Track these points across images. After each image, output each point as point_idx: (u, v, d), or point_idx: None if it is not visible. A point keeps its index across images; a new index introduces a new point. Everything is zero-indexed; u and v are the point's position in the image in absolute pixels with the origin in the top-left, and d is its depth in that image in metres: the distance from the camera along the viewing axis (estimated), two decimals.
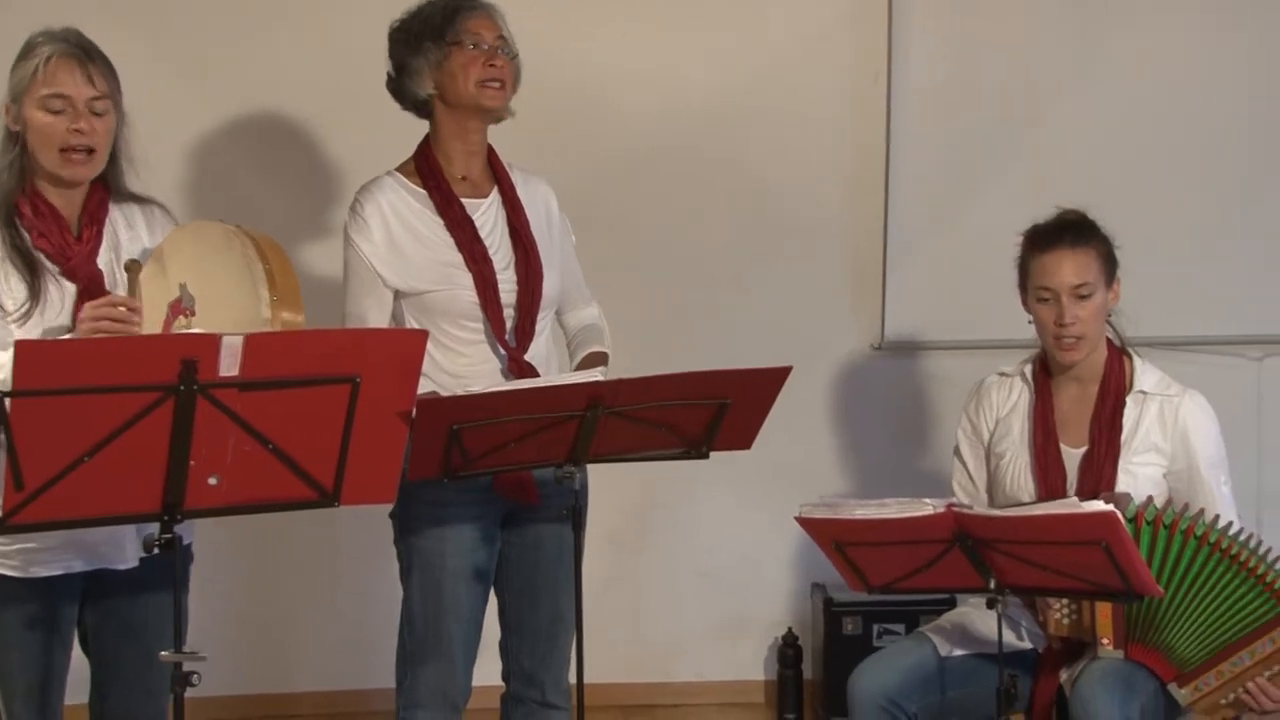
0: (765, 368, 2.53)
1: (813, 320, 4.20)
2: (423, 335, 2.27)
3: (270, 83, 4.02)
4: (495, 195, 2.83)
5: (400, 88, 2.81)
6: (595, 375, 2.46)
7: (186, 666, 2.19)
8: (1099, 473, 2.78)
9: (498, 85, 2.74)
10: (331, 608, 4.18)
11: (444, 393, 2.50)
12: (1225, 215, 4.11)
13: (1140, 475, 2.79)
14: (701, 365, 2.49)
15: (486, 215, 2.80)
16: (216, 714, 3.95)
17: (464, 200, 2.79)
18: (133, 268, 2.42)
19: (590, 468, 2.63)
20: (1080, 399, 2.87)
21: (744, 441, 2.59)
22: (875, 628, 3.98)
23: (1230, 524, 2.63)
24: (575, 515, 2.55)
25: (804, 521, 2.51)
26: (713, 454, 2.58)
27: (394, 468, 2.28)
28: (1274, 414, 4.19)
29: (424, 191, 2.77)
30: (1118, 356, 2.87)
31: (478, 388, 2.45)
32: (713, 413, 2.51)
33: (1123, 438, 2.80)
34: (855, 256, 4.19)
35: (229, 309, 2.35)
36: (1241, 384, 4.16)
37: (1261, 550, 2.59)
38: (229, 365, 2.09)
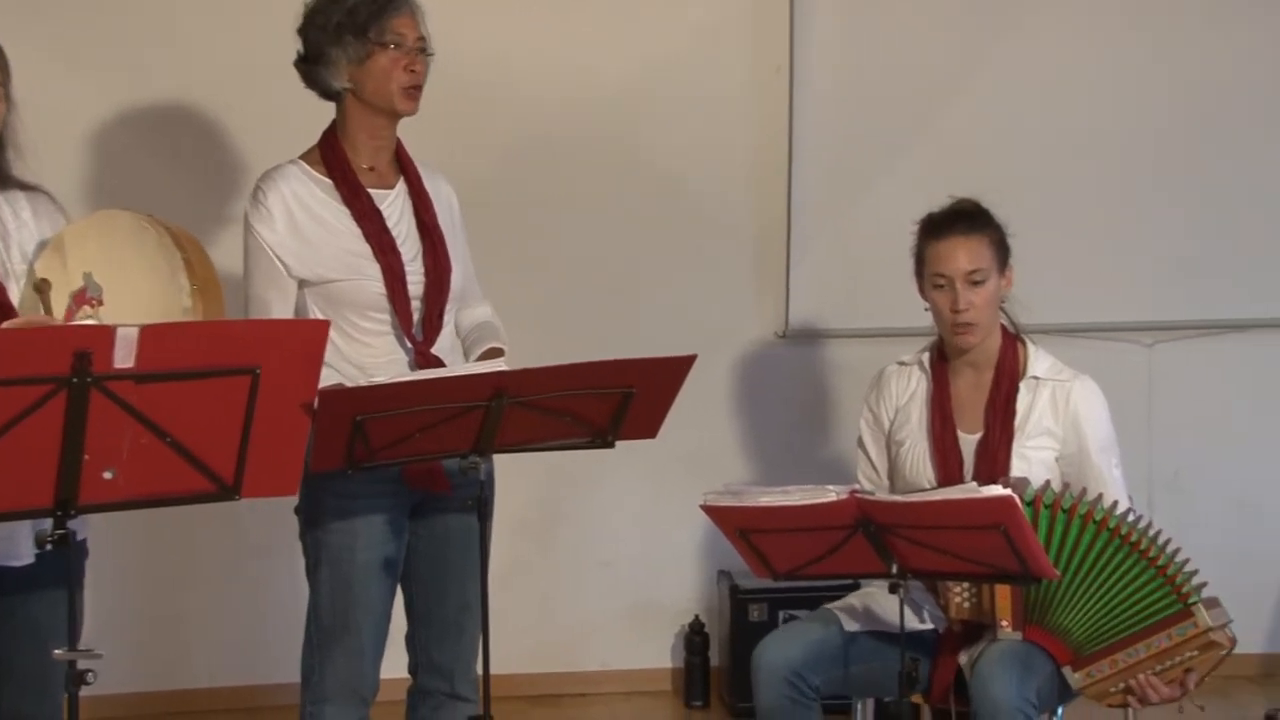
0: (670, 356, 2.52)
1: (717, 309, 4.21)
2: (324, 325, 2.24)
3: (169, 70, 3.94)
4: (402, 187, 2.79)
5: (312, 74, 2.76)
6: (499, 365, 2.45)
7: (82, 664, 2.14)
8: (994, 458, 2.82)
9: (417, 90, 2.71)
10: (233, 602, 4.12)
11: (348, 384, 2.46)
12: (1116, 205, 4.18)
13: (1034, 459, 2.83)
14: (606, 354, 2.48)
15: (393, 206, 2.77)
16: (115, 712, 3.88)
17: (370, 190, 2.75)
18: (43, 286, 2.36)
19: (496, 458, 2.61)
20: (976, 385, 2.91)
21: (649, 430, 2.59)
22: (781, 614, 4.01)
23: (1128, 510, 2.67)
24: (481, 506, 2.53)
25: (709, 509, 2.51)
26: (618, 443, 2.58)
27: (296, 460, 2.24)
28: (1164, 398, 4.28)
29: (329, 180, 2.73)
30: (1012, 343, 2.91)
31: (381, 378, 2.42)
32: (618, 402, 2.51)
33: (1016, 423, 2.84)
34: (759, 245, 4.21)
35: (145, 299, 2.30)
36: (1133, 369, 4.24)
37: (1158, 537, 2.63)
38: (124, 357, 2.04)
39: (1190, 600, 2.59)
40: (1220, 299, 4.23)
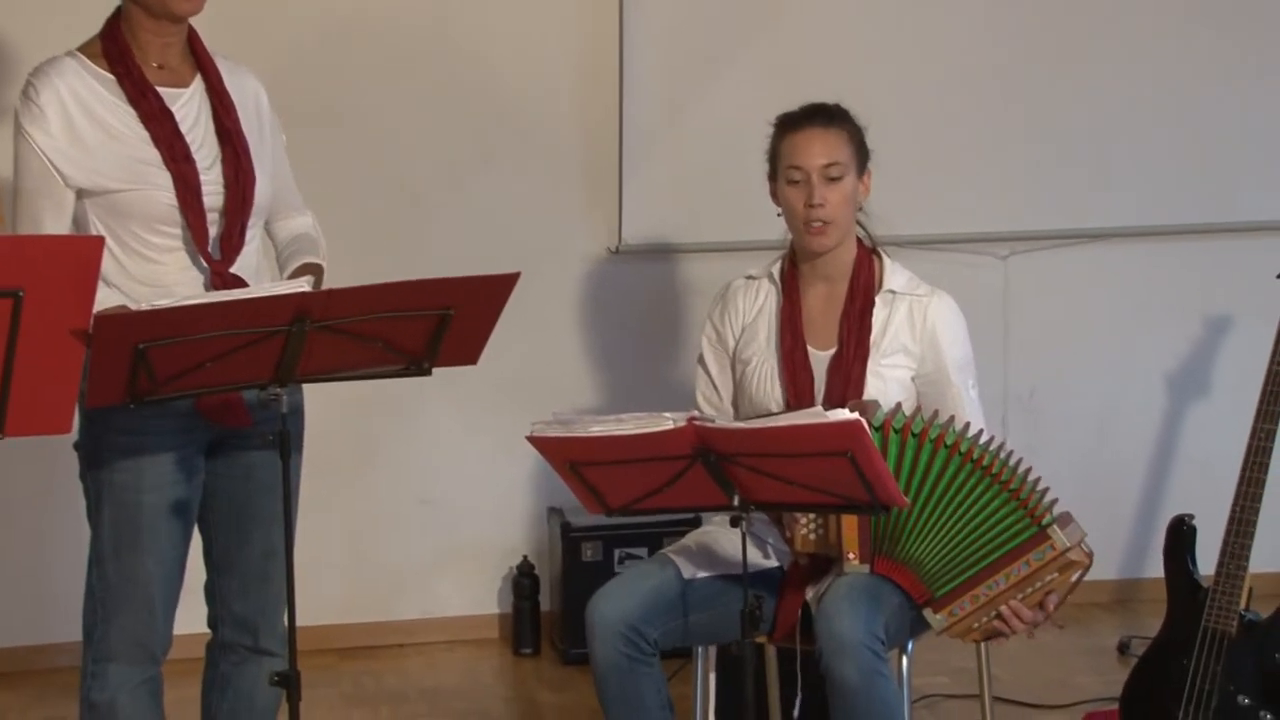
0: (491, 274, 2.51)
1: (543, 222, 4.20)
2: (98, 243, 2.17)
3: None
4: (198, 85, 2.70)
5: None
6: (300, 285, 2.40)
7: None
8: (847, 376, 2.87)
9: None
10: (4, 553, 4.00)
11: (134, 306, 2.39)
12: (970, 113, 4.27)
13: (889, 378, 2.89)
14: (420, 273, 2.46)
15: (188, 108, 2.67)
16: None
17: (161, 90, 2.65)
18: None
19: (308, 387, 2.58)
20: (829, 299, 2.95)
21: (470, 356, 2.58)
22: (617, 552, 4.05)
23: (980, 432, 2.75)
24: (285, 441, 2.50)
25: (536, 441, 2.51)
26: (436, 370, 2.56)
27: (69, 394, 2.19)
28: (1020, 313, 4.42)
29: (112, 77, 2.63)
30: (867, 255, 2.96)
31: (166, 302, 2.36)
32: (434, 325, 2.48)
33: (872, 339, 2.89)
34: (588, 152, 4.20)
35: None
36: (989, 283, 4.36)
37: (1012, 461, 2.71)
38: None
39: (1045, 522, 2.68)
40: (1076, 207, 4.36)
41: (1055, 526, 2.67)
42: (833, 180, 2.86)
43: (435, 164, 4.16)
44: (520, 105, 4.16)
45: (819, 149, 2.87)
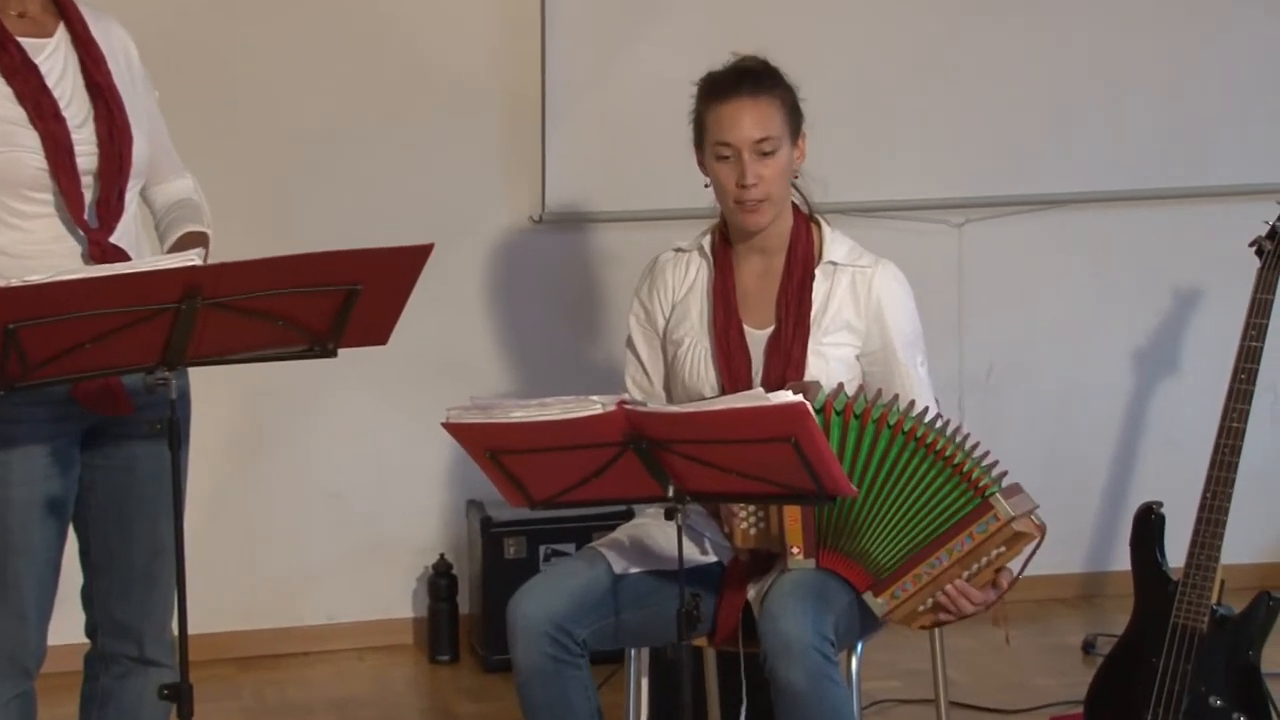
0: (402, 246, 2.50)
1: (459, 189, 4.19)
2: None
3: None
4: (62, 34, 2.66)
5: None
6: (190, 258, 2.38)
7: None
8: (786, 356, 2.88)
9: None
10: None
11: (3, 281, 2.36)
12: (920, 67, 4.29)
13: (831, 357, 2.90)
14: (324, 245, 2.45)
15: (53, 60, 2.64)
16: None
17: (22, 40, 2.62)
18: None
19: (193, 372, 2.57)
20: (765, 273, 2.96)
21: (379, 335, 2.57)
22: (542, 549, 4.06)
23: (925, 410, 2.76)
24: (173, 429, 2.48)
25: (452, 428, 2.50)
26: (342, 351, 2.56)
27: None
28: (975, 285, 4.44)
29: None
30: (805, 224, 2.96)
31: (38, 277, 2.33)
32: (340, 301, 2.47)
33: (812, 315, 2.90)
34: (508, 111, 4.19)
35: None
36: (941, 253, 4.39)
37: (959, 439, 2.73)
38: None
39: (988, 492, 2.69)
40: (1036, 171, 4.40)
41: (999, 496, 2.69)
42: (765, 155, 2.86)
43: (338, 124, 4.13)
44: (432, 59, 4.14)
45: (749, 122, 2.85)
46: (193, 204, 2.83)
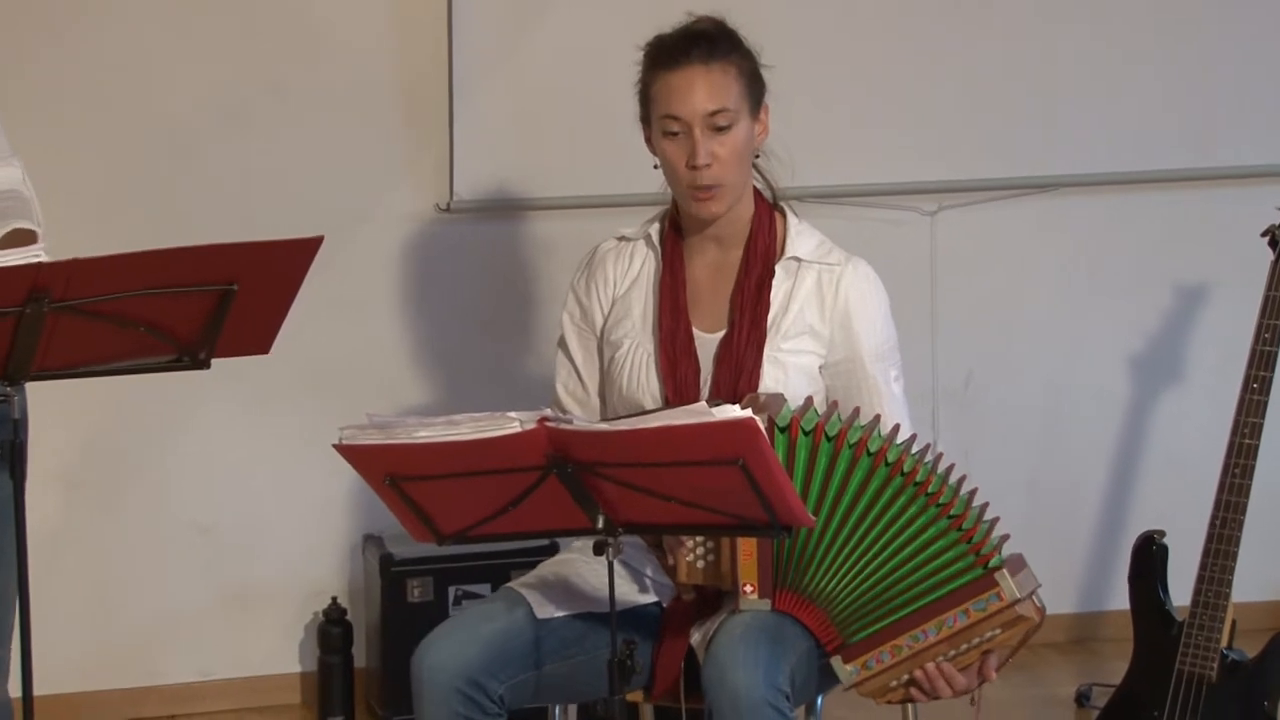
0: (286, 239, 2.50)
1: (352, 173, 4.18)
2: None
3: None
4: None
5: None
6: (37, 253, 2.36)
7: None
8: (739, 363, 2.88)
9: None
10: None
11: None
12: (891, 37, 4.30)
13: (790, 366, 2.90)
14: (194, 239, 2.44)
15: None
16: None
17: None
18: None
19: (35, 388, 2.54)
20: (719, 268, 2.97)
21: (260, 343, 2.58)
22: (452, 590, 4.05)
23: (912, 437, 2.75)
24: (15, 453, 2.47)
25: (346, 450, 2.49)
26: (217, 362, 2.55)
27: None
28: (951, 282, 4.46)
29: None
30: (768, 212, 2.97)
31: None
32: (214, 304, 2.47)
33: (770, 317, 2.91)
34: (411, 84, 4.18)
35: None
36: (912, 245, 4.41)
37: (953, 479, 2.70)
38: None
39: (993, 563, 2.69)
40: (1020, 152, 4.42)
41: (1005, 571, 2.68)
42: (720, 130, 2.86)
43: (210, 101, 4.10)
44: (322, 25, 4.13)
45: (702, 93, 2.86)
46: (20, 198, 2.81)
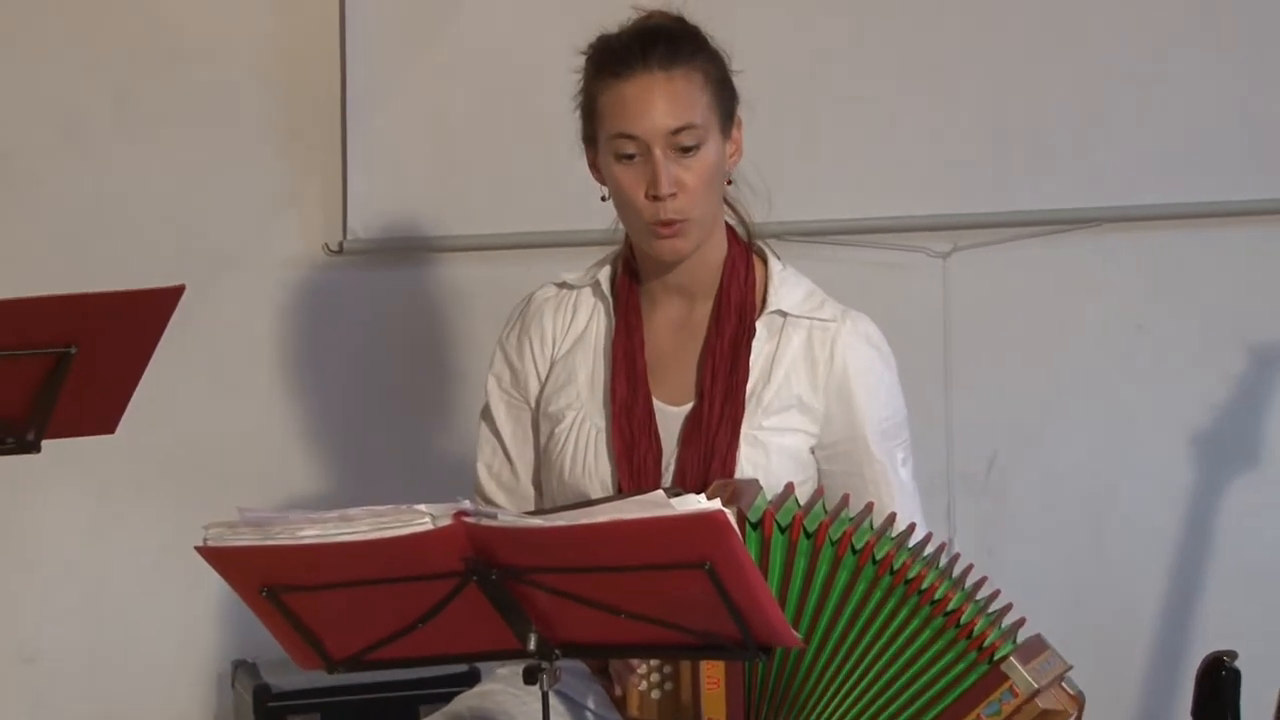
0: (139, 289, 2.53)
1: (223, 211, 4.20)
2: None
3: None
4: None
5: None
6: None
7: None
8: (710, 444, 2.90)
9: None
10: None
11: None
12: (897, 50, 4.33)
13: (773, 447, 2.92)
14: (22, 289, 2.47)
15: None
16: None
17: None
18: None
19: None
20: (685, 324, 2.99)
21: (104, 421, 2.62)
22: None
23: (910, 528, 2.77)
24: None
25: (212, 554, 2.48)
26: (49, 444, 2.57)
27: None
28: (969, 338, 4.48)
29: None
30: (743, 255, 2.99)
31: None
32: (45, 371, 2.49)
33: (749, 387, 2.92)
34: (295, 102, 4.21)
35: None
36: (922, 292, 4.43)
37: (956, 570, 2.73)
38: None
39: (999, 653, 2.71)
40: (1049, 182, 4.45)
41: (1014, 660, 2.70)
42: (686, 152, 2.88)
43: (42, 120, 4.12)
44: (183, 29, 4.15)
45: (662, 106, 2.87)
46: None
